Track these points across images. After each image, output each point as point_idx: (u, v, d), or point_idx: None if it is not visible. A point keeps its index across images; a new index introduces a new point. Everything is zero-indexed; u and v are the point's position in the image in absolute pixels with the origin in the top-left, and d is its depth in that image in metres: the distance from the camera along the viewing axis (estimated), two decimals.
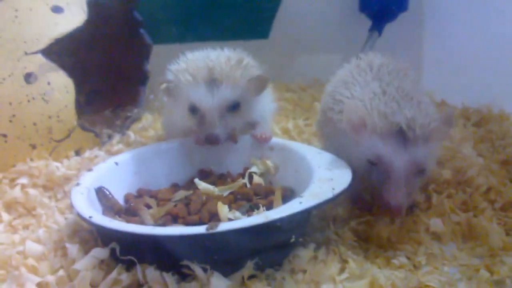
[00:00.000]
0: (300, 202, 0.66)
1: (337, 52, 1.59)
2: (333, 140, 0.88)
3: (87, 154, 1.05)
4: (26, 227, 0.88)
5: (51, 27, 1.05)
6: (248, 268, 0.65)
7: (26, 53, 1.01)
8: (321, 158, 0.81)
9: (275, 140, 0.92)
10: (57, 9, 1.08)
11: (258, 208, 0.74)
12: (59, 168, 1.00)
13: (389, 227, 0.79)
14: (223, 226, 0.61)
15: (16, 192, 0.94)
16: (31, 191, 0.94)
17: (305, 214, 0.65)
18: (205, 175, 0.92)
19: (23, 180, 0.98)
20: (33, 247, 0.72)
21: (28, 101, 1.00)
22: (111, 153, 1.09)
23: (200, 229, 0.61)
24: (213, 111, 0.87)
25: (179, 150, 0.93)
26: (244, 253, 0.65)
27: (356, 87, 0.86)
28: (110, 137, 1.18)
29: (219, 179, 0.89)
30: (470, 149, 1.01)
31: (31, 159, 1.01)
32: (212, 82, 0.88)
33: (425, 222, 0.82)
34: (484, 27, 1.40)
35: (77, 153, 1.07)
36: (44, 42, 1.03)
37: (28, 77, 1.00)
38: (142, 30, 1.38)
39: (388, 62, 0.91)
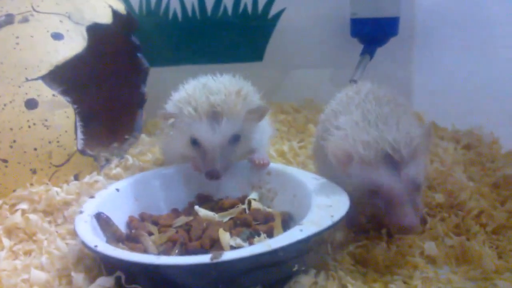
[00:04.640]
0: (301, 230, 0.68)
1: (330, 75, 1.63)
2: (326, 167, 0.90)
3: (86, 179, 1.06)
4: (27, 252, 0.89)
5: (51, 53, 1.07)
6: None
7: (27, 79, 1.03)
8: (318, 184, 0.83)
9: (273, 165, 0.94)
10: (57, 36, 1.10)
11: (258, 235, 0.76)
12: (59, 193, 1.01)
13: (386, 251, 0.81)
14: (227, 256, 0.62)
15: (17, 218, 0.95)
16: (32, 216, 0.95)
17: (306, 242, 0.66)
18: (203, 200, 0.93)
19: (23, 206, 0.99)
20: (38, 275, 0.73)
21: (29, 126, 1.01)
22: (109, 177, 1.11)
23: (205, 259, 0.62)
24: (215, 147, 0.89)
25: (178, 175, 0.95)
26: (246, 281, 0.67)
27: (342, 116, 0.89)
28: (108, 160, 1.19)
29: (217, 204, 0.91)
30: (461, 172, 1.04)
31: (31, 184, 1.02)
32: (214, 116, 0.89)
33: (420, 246, 0.85)
34: (473, 50, 1.44)
35: (76, 177, 1.08)
36: (44, 69, 1.05)
37: (29, 103, 1.02)
38: (139, 54, 1.41)
39: (375, 90, 0.93)
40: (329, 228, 0.69)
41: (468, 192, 0.95)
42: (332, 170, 0.87)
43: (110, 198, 0.86)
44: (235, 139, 0.91)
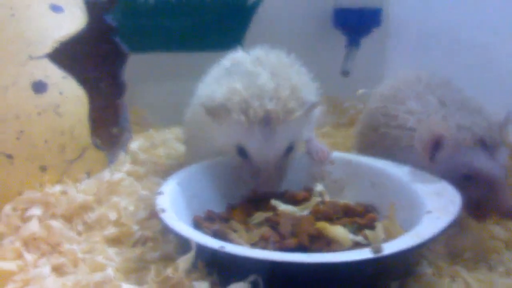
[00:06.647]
0: (438, 218, 0.63)
1: (309, 65, 1.59)
2: (396, 155, 0.86)
3: (106, 176, 0.90)
4: (56, 268, 0.72)
5: (53, 28, 0.90)
6: None
7: (31, 57, 0.85)
8: (404, 171, 0.79)
9: (337, 154, 0.87)
10: (57, 8, 0.92)
11: (370, 227, 0.70)
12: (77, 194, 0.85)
13: (471, 238, 0.79)
14: (389, 249, 0.55)
15: (34, 226, 0.77)
16: (54, 223, 0.78)
17: (445, 231, 0.61)
18: (261, 195, 0.84)
19: (37, 211, 0.81)
20: None
21: (38, 114, 0.83)
22: (129, 174, 0.96)
23: (366, 254, 0.55)
24: (269, 164, 0.76)
25: (231, 168, 0.84)
26: (389, 276, 0.60)
27: (410, 101, 0.86)
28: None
29: (283, 197, 0.82)
30: None
31: (41, 184, 0.84)
32: (267, 126, 0.75)
33: (489, 230, 0.84)
34: (445, 43, 1.50)
35: (88, 175, 0.92)
36: (49, 45, 0.87)
37: (37, 86, 0.84)
38: (116, 38, 1.25)
39: (432, 75, 0.93)
40: (458, 215, 0.65)
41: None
42: (403, 157, 0.84)
43: (175, 194, 0.73)
44: (290, 148, 0.80)
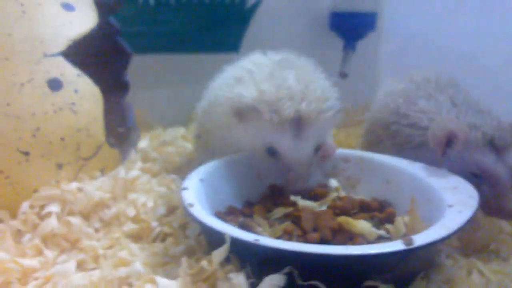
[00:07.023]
0: (460, 211, 0.65)
1: None
2: (405, 153, 0.88)
3: (121, 174, 0.90)
4: (78, 264, 0.72)
5: (66, 26, 0.90)
6: (419, 284, 0.62)
7: (45, 55, 0.84)
8: (418, 167, 0.81)
9: (349, 151, 0.89)
10: (68, 7, 0.92)
11: (389, 222, 0.72)
12: (93, 192, 0.85)
13: (482, 230, 0.82)
14: (420, 240, 0.57)
15: (52, 222, 0.77)
16: (73, 220, 0.78)
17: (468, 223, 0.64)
18: (277, 191, 0.85)
19: (54, 208, 0.81)
20: (167, 284, 0.59)
21: (54, 111, 0.83)
22: (144, 171, 0.96)
23: (398, 246, 0.56)
24: (302, 164, 0.78)
25: (249, 165, 0.85)
26: (417, 268, 0.62)
27: (422, 100, 0.88)
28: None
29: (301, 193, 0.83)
30: None
31: (57, 182, 0.84)
32: (299, 127, 0.76)
33: (497, 223, 0.86)
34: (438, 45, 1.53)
35: (102, 172, 0.92)
36: (63, 43, 0.87)
37: (52, 84, 0.84)
38: (119, 38, 1.25)
39: (439, 75, 0.95)
40: (476, 208, 0.67)
41: None
42: (412, 154, 0.86)
43: (198, 189, 0.74)
44: (318, 147, 0.82)
